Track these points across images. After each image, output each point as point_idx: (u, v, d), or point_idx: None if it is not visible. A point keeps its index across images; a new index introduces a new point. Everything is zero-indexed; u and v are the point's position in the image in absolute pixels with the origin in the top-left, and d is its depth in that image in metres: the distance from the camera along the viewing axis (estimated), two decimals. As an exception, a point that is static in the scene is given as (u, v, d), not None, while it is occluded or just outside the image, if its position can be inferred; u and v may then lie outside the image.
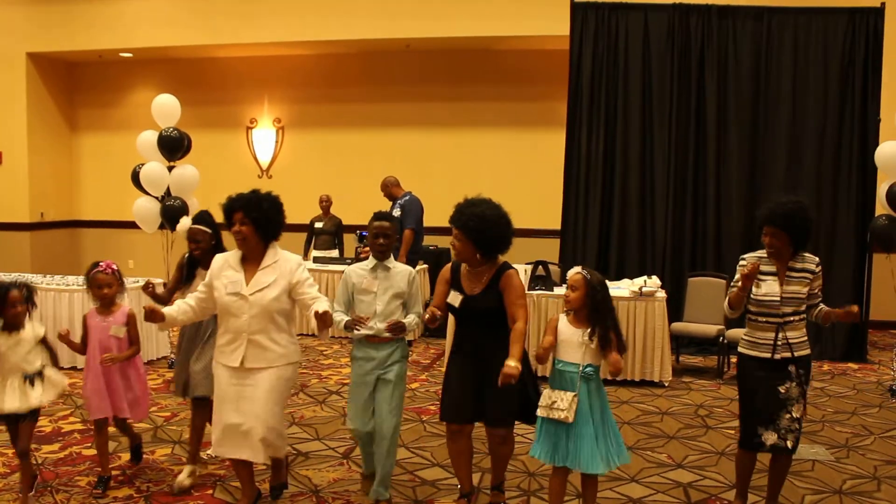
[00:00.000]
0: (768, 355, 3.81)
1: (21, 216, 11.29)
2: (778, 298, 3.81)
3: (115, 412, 4.28)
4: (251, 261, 3.81)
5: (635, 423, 5.72)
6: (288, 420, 5.61)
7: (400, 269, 4.11)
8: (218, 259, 3.90)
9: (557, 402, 3.57)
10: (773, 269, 3.86)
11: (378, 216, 4.14)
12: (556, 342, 3.66)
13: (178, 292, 4.58)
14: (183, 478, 4.36)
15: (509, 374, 3.55)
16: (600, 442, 3.58)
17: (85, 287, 4.33)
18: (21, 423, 3.94)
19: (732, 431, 5.45)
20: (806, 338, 3.88)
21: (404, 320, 4.02)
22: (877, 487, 4.53)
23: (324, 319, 3.58)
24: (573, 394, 3.55)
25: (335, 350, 8.02)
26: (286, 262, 3.82)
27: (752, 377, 3.86)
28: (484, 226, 3.76)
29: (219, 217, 4.13)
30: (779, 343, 3.80)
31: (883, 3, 7.94)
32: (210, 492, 4.32)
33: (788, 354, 3.80)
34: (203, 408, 4.40)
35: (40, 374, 3.99)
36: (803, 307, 3.87)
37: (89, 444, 5.03)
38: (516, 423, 3.95)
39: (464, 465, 4.05)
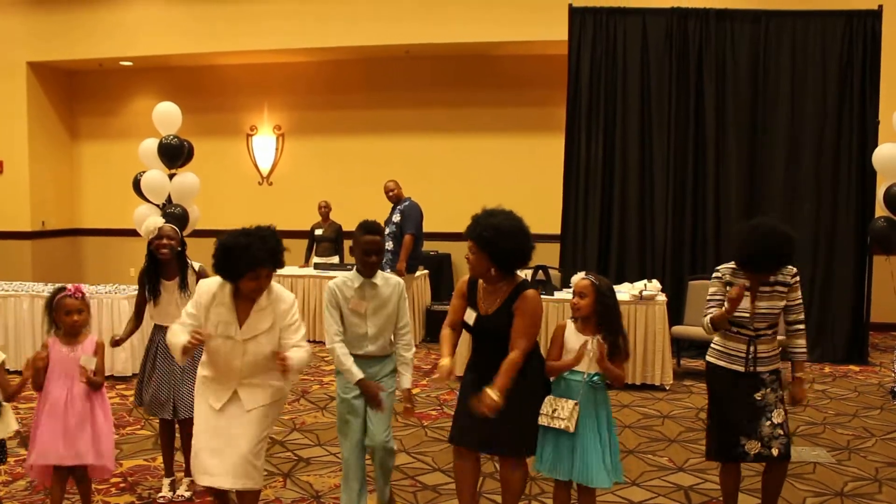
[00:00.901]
0: (741, 368, 3.67)
1: (22, 225, 11.31)
2: (748, 315, 3.65)
3: (76, 459, 3.68)
4: (245, 299, 3.41)
5: (636, 426, 5.72)
6: (289, 426, 5.62)
7: (390, 285, 3.84)
8: (206, 291, 3.43)
9: (558, 411, 3.47)
10: (745, 283, 3.67)
11: (368, 229, 3.79)
12: (563, 351, 3.58)
13: (150, 306, 4.34)
14: (182, 490, 4.39)
15: (487, 404, 3.29)
16: (606, 454, 3.49)
17: (46, 313, 3.78)
18: None
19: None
20: (777, 351, 3.75)
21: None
22: (878, 489, 4.53)
23: (285, 367, 3.31)
24: (574, 402, 3.46)
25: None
26: (280, 303, 3.44)
27: (724, 387, 3.72)
28: (499, 238, 3.45)
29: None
30: (750, 356, 3.66)
31: (880, 6, 7.96)
32: (211, 499, 4.32)
33: (762, 368, 3.68)
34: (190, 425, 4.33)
35: None
36: (776, 321, 3.72)
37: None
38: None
39: (467, 487, 3.71)
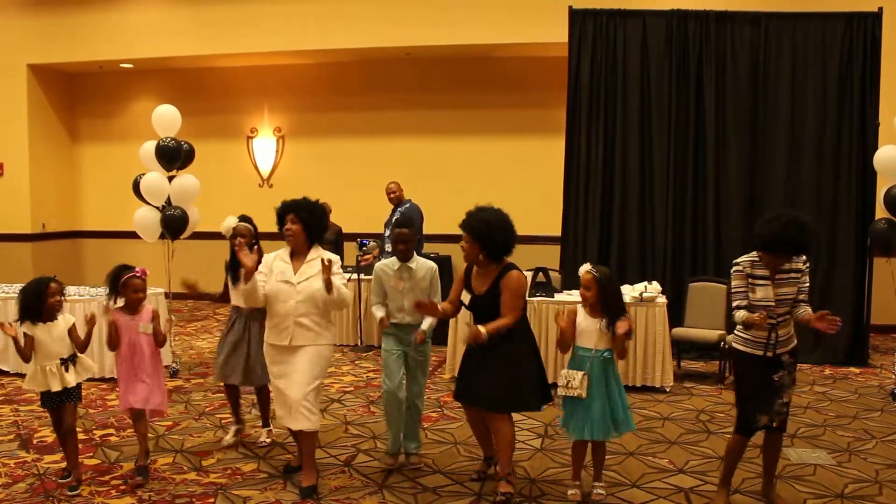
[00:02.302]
0: (761, 352, 4.02)
1: (23, 227, 11.32)
2: (773, 302, 4.00)
3: (142, 403, 4.54)
4: (298, 255, 4.48)
5: (637, 428, 5.70)
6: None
7: (422, 267, 4.78)
8: (272, 254, 4.54)
9: (571, 382, 4.19)
10: (766, 272, 4.04)
11: (397, 223, 4.86)
12: (574, 331, 4.25)
13: (232, 289, 5.16)
14: (228, 437, 5.27)
15: (473, 334, 4.13)
16: (617, 412, 4.20)
17: (112, 287, 4.54)
18: (66, 405, 4.41)
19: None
20: (793, 332, 4.13)
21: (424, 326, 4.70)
22: (878, 491, 4.52)
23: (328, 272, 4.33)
24: (583, 373, 4.17)
25: (336, 359, 8.03)
26: (326, 257, 4.46)
27: (749, 371, 4.09)
28: (489, 231, 4.24)
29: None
30: (772, 342, 4.02)
31: (880, 8, 7.97)
32: (212, 501, 4.33)
33: (781, 350, 4.05)
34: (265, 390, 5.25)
35: (73, 358, 4.44)
36: (791, 305, 4.09)
37: (91, 454, 5.04)
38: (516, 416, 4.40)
39: (479, 432, 4.64)
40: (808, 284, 4.10)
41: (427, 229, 8.37)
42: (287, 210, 4.47)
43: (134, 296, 4.56)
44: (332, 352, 4.58)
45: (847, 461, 5.03)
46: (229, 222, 5.16)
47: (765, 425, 4.10)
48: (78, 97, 12.12)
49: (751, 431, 4.13)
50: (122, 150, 11.53)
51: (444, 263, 10.10)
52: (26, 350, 4.34)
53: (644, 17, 8.32)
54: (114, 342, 4.56)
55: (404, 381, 4.79)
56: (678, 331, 7.32)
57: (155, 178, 7.45)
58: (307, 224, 4.45)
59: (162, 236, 7.51)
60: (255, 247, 5.05)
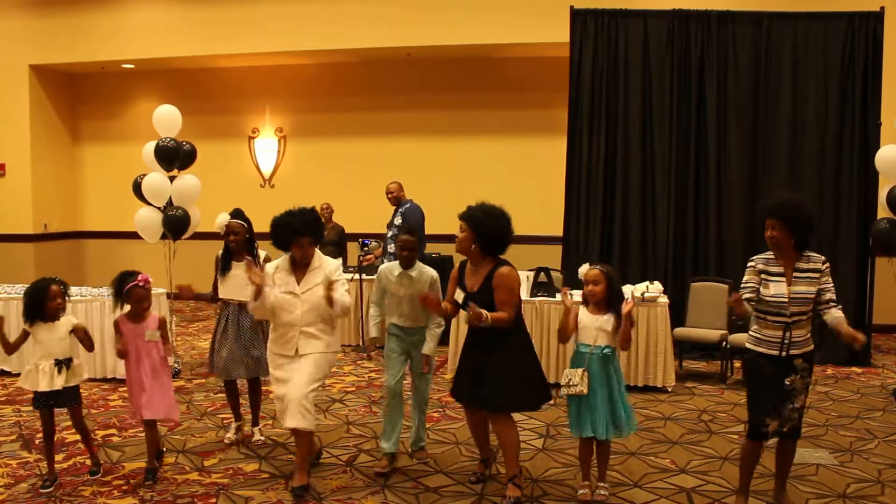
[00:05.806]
0: (776, 353, 3.95)
1: (24, 228, 11.33)
2: (786, 299, 3.93)
3: (147, 413, 4.55)
4: (300, 265, 4.47)
5: (639, 428, 5.70)
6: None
7: (423, 274, 4.79)
8: (272, 265, 4.56)
9: (572, 379, 4.19)
10: (780, 269, 3.99)
11: (401, 229, 4.94)
12: (577, 328, 4.28)
13: (220, 282, 5.24)
14: (231, 435, 5.32)
15: (476, 315, 4.06)
16: (618, 411, 4.21)
17: (116, 295, 4.55)
18: (71, 408, 4.55)
19: (736, 436, 5.46)
20: (809, 335, 4.03)
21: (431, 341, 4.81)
22: (881, 491, 4.52)
23: (331, 296, 4.35)
24: (582, 369, 4.19)
25: (338, 359, 8.01)
26: (328, 265, 4.54)
27: (760, 373, 4.01)
28: (486, 219, 4.22)
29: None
30: (786, 342, 3.93)
31: (882, 8, 7.96)
32: (214, 501, 4.33)
33: (795, 352, 3.95)
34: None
35: (68, 362, 4.49)
36: (810, 306, 3.99)
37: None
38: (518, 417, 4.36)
39: (478, 434, 4.62)
40: (831, 284, 4.05)
41: (428, 230, 8.36)
42: (301, 233, 4.40)
43: (138, 305, 4.58)
44: (336, 356, 4.65)
45: (849, 461, 5.02)
46: (222, 219, 5.21)
47: (776, 431, 3.99)
48: (79, 97, 12.12)
49: (761, 436, 4.03)
50: (123, 150, 11.54)
51: (445, 264, 10.09)
52: (13, 344, 4.46)
53: (645, 17, 8.31)
54: (122, 351, 4.59)
55: (404, 378, 4.87)
56: (680, 331, 7.32)
57: (156, 178, 7.45)
58: (316, 238, 4.49)
59: (163, 237, 7.52)
60: (250, 243, 5.21)
